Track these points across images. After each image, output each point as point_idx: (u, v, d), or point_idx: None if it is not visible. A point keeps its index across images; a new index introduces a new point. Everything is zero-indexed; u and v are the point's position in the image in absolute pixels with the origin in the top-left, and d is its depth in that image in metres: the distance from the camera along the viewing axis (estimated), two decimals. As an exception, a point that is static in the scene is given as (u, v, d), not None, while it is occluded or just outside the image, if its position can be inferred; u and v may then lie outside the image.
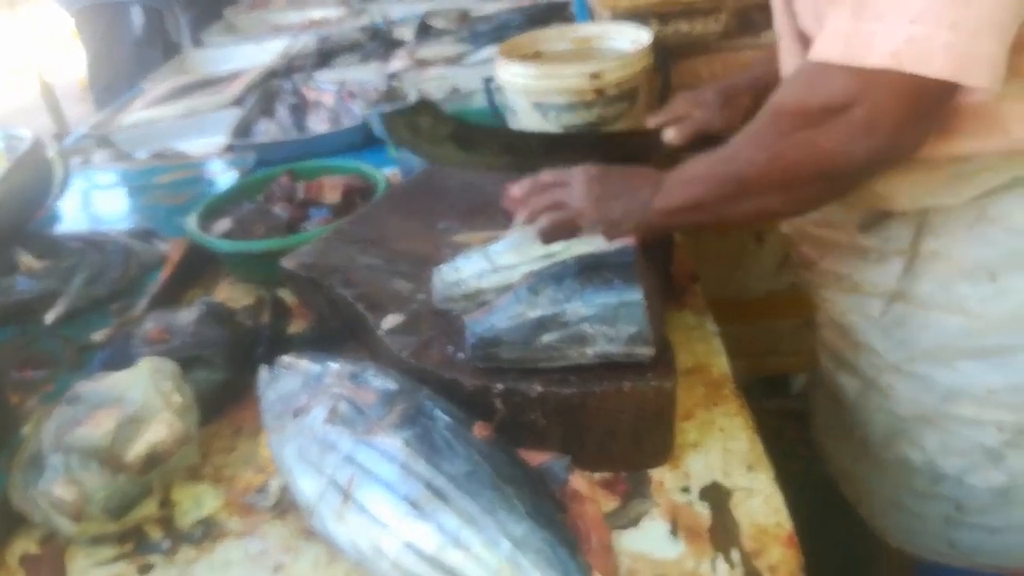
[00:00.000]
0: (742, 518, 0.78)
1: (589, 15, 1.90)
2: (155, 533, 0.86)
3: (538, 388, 0.82)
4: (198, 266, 1.34)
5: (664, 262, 1.07)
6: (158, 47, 2.86)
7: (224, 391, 1.00)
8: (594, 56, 1.47)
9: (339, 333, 1.06)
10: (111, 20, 2.84)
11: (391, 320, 0.96)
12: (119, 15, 2.83)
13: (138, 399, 0.87)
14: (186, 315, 1.04)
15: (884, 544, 1.16)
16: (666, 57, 1.56)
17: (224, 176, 1.62)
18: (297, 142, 1.76)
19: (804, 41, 0.93)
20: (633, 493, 0.82)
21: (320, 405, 0.82)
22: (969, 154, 0.89)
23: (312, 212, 1.35)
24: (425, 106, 1.19)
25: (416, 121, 1.16)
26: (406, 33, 2.41)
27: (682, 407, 0.89)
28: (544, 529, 0.69)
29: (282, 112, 1.93)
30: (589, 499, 0.75)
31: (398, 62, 2.19)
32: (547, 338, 0.82)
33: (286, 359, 0.91)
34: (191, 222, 1.30)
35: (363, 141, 1.71)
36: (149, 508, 0.86)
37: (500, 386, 0.83)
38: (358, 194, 1.36)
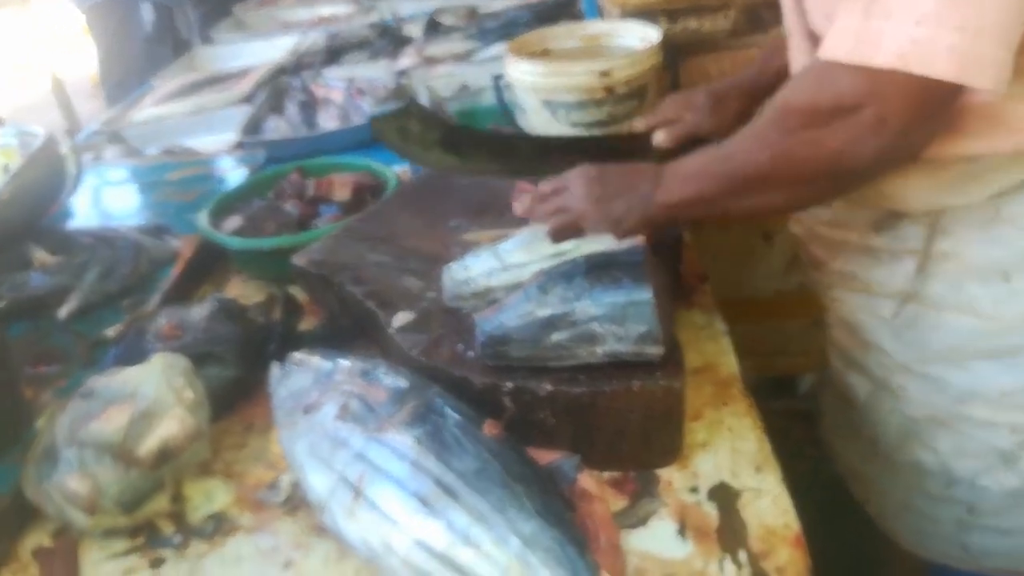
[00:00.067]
0: (750, 519, 0.78)
1: (598, 12, 1.90)
2: (167, 527, 0.87)
3: (547, 387, 0.82)
4: (209, 263, 1.35)
5: (673, 261, 1.07)
6: (168, 44, 2.87)
7: (235, 387, 1.01)
8: (603, 54, 1.47)
9: (350, 330, 1.07)
10: (122, 17, 2.86)
11: (401, 318, 0.96)
12: (130, 12, 2.85)
13: (150, 394, 0.88)
14: (198, 311, 1.05)
15: (893, 545, 1.16)
16: (675, 55, 1.57)
17: (234, 173, 1.62)
18: (307, 139, 1.76)
19: (814, 39, 0.93)
20: (642, 492, 0.83)
21: (331, 402, 0.82)
22: (977, 155, 0.89)
23: (322, 209, 1.35)
24: (414, 109, 1.19)
25: (405, 125, 1.16)
26: (415, 30, 2.41)
27: (691, 407, 0.89)
28: (553, 527, 0.69)
29: (292, 109, 1.94)
30: (598, 498, 0.75)
31: (407, 59, 2.20)
32: (556, 337, 0.83)
33: (297, 356, 0.91)
34: (202, 219, 1.31)
35: (372, 138, 1.71)
36: (161, 503, 0.87)
37: (510, 384, 0.84)
38: (368, 191, 1.37)
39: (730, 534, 0.77)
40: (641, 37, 1.44)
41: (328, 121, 1.87)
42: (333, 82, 2.03)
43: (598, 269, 0.84)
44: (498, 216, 1.14)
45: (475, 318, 0.87)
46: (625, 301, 0.81)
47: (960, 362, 0.99)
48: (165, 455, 0.86)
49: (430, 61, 2.16)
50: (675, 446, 0.86)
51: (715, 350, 1.00)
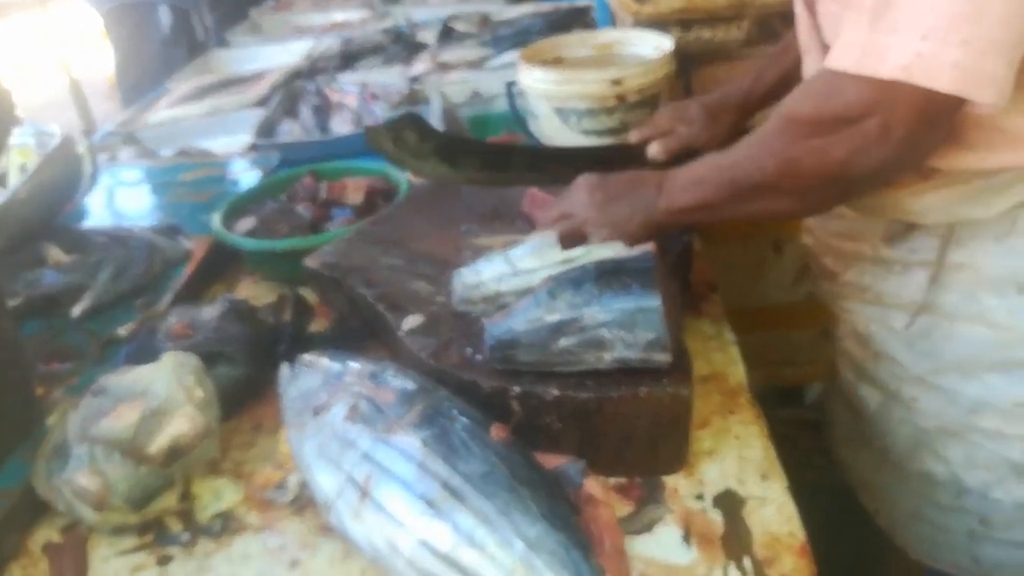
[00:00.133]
0: (755, 526, 0.78)
1: (611, 21, 1.91)
2: (175, 525, 0.88)
3: (555, 392, 0.83)
4: (221, 263, 1.36)
5: (683, 270, 1.07)
6: (184, 47, 2.88)
7: (245, 387, 1.02)
8: (616, 62, 1.48)
9: (359, 332, 1.07)
10: (139, 20, 2.88)
11: (411, 321, 0.97)
12: (147, 15, 2.87)
13: (161, 393, 0.88)
14: (209, 311, 1.06)
15: (900, 555, 1.16)
16: (688, 64, 1.57)
17: (248, 175, 1.63)
18: (320, 143, 1.77)
19: None
20: (647, 499, 0.83)
21: (340, 403, 0.83)
22: (1000, 168, 0.90)
23: (335, 212, 1.36)
24: (410, 120, 1.19)
25: (401, 135, 1.17)
26: (429, 36, 2.42)
27: (698, 415, 0.90)
28: (558, 531, 0.69)
29: (305, 113, 1.95)
30: (603, 503, 0.75)
31: (420, 65, 2.21)
32: (565, 342, 0.83)
33: (307, 357, 0.92)
34: (215, 220, 1.32)
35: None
36: (169, 500, 0.88)
37: (517, 389, 0.84)
38: (381, 195, 1.38)
39: (735, 541, 0.77)
40: (654, 46, 1.45)
41: (341, 125, 1.88)
42: (347, 87, 2.04)
43: (608, 275, 0.84)
44: (509, 222, 1.15)
45: (484, 322, 0.88)
46: (634, 308, 0.81)
47: (973, 373, 0.99)
48: (175, 453, 0.87)
49: (443, 67, 2.17)
50: (681, 453, 0.86)
51: (723, 359, 1.00)
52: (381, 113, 1.85)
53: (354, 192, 1.38)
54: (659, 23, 1.57)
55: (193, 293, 1.27)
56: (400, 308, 0.99)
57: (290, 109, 1.98)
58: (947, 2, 0.74)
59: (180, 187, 1.64)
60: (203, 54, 2.67)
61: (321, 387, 0.87)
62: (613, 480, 0.85)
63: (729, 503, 0.81)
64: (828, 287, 1.17)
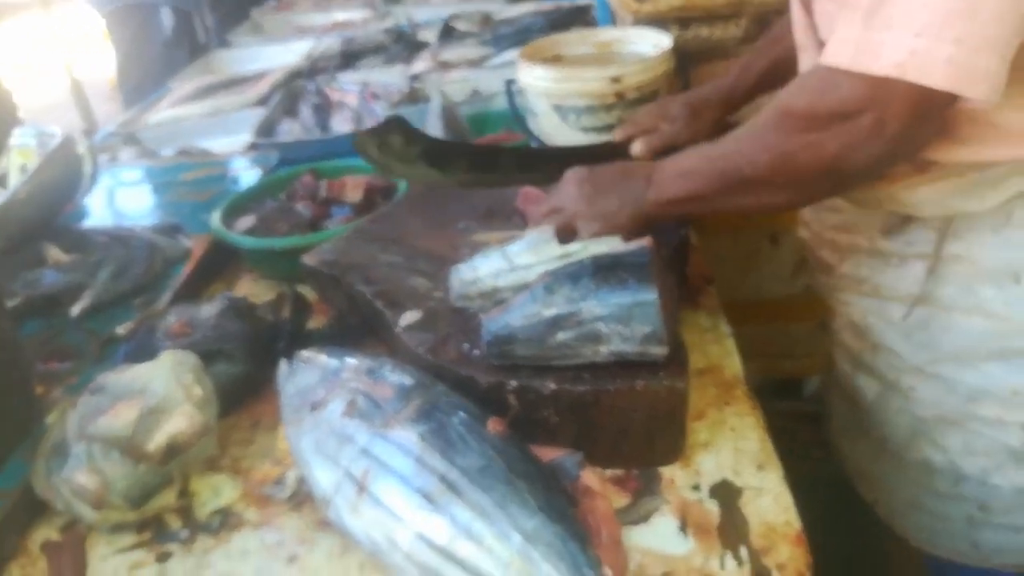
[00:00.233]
0: (751, 516, 0.79)
1: (611, 19, 1.91)
2: (174, 522, 0.88)
3: (552, 385, 0.83)
4: (221, 262, 1.36)
5: (679, 263, 1.07)
6: (186, 47, 2.89)
7: (244, 384, 1.02)
8: (615, 60, 1.48)
9: (358, 329, 1.08)
10: (141, 21, 2.88)
11: (409, 317, 0.97)
12: (149, 16, 2.87)
13: (160, 391, 0.89)
14: (208, 309, 1.06)
15: (898, 543, 1.17)
16: (686, 61, 1.57)
17: (247, 174, 1.64)
18: (320, 141, 1.78)
19: None
20: (644, 490, 0.83)
21: (338, 399, 0.83)
22: (994, 161, 0.91)
23: (334, 210, 1.37)
24: (396, 125, 1.19)
25: (387, 140, 1.17)
26: (430, 36, 2.43)
27: (694, 407, 0.90)
28: (555, 523, 0.70)
29: (305, 112, 1.95)
30: (600, 495, 0.75)
31: (421, 64, 2.21)
32: (562, 336, 0.83)
33: (305, 354, 0.92)
34: (215, 219, 1.32)
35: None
36: (168, 498, 0.88)
37: (514, 383, 0.84)
38: (379, 193, 1.38)
39: (731, 531, 0.77)
40: (653, 44, 1.45)
41: (342, 124, 1.88)
42: (347, 86, 2.04)
43: (604, 270, 0.84)
44: (506, 219, 1.15)
45: (481, 318, 0.88)
46: (630, 302, 0.82)
47: (971, 363, 1.00)
48: (173, 451, 0.87)
49: (444, 66, 2.17)
50: (678, 445, 0.86)
51: (719, 352, 1.00)
52: (382, 112, 1.85)
53: (353, 190, 1.38)
54: (658, 21, 1.58)
55: (192, 291, 1.28)
56: (398, 304, 1.00)
57: (290, 108, 1.98)
58: None
59: (180, 186, 1.65)
60: (205, 55, 2.68)
61: (319, 383, 0.87)
62: (610, 472, 0.85)
63: (725, 494, 0.81)
64: (825, 280, 1.17)
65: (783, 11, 1.10)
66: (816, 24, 0.96)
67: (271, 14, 2.99)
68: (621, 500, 0.82)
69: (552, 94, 1.37)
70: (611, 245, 0.92)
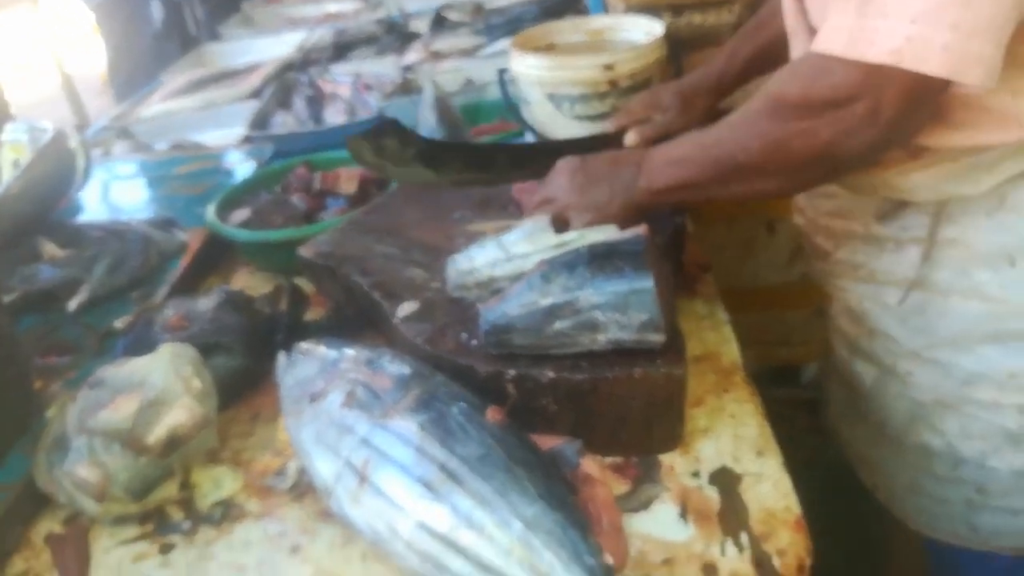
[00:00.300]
0: (751, 502, 0.79)
1: (603, 7, 1.91)
2: (176, 514, 0.88)
3: (550, 374, 0.83)
4: (216, 255, 1.36)
5: (676, 251, 1.08)
6: (176, 40, 2.88)
7: (242, 377, 1.02)
8: (607, 48, 1.48)
9: (355, 320, 1.08)
10: (130, 13, 2.87)
11: (406, 308, 0.97)
12: (139, 9, 2.86)
13: (159, 384, 0.89)
14: (205, 303, 1.06)
15: (897, 527, 1.17)
16: (679, 48, 1.57)
17: (242, 167, 1.64)
18: (314, 133, 1.78)
19: None
20: (644, 477, 0.84)
21: (337, 390, 0.83)
22: (987, 145, 0.91)
23: (329, 202, 1.36)
24: (390, 127, 1.19)
25: (381, 143, 1.17)
26: (421, 26, 2.42)
27: (692, 394, 0.90)
28: (555, 511, 0.70)
29: (299, 104, 1.95)
30: (600, 482, 0.76)
31: (413, 55, 2.21)
32: (559, 325, 0.83)
33: (303, 345, 0.92)
34: (210, 212, 1.32)
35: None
36: (170, 490, 0.88)
37: (513, 372, 0.85)
38: (374, 184, 1.38)
39: (731, 517, 0.78)
40: (646, 31, 1.45)
41: (335, 116, 1.88)
42: (340, 77, 2.04)
43: (600, 258, 0.85)
44: (501, 208, 1.15)
45: (479, 307, 0.88)
46: (627, 289, 0.82)
47: (967, 346, 1.00)
48: (173, 443, 0.87)
49: (436, 56, 2.17)
50: (676, 433, 0.86)
51: (717, 339, 1.01)
52: (375, 103, 1.85)
53: (348, 182, 1.38)
54: (651, 8, 1.57)
55: (189, 285, 1.27)
56: (395, 295, 1.00)
57: (283, 101, 1.98)
58: None
59: (174, 180, 1.65)
60: (195, 47, 2.67)
61: (318, 374, 0.88)
62: (609, 459, 0.86)
63: (725, 480, 0.82)
64: (820, 266, 1.18)
65: None
66: (807, 9, 0.96)
67: (261, 6, 2.98)
68: (621, 487, 0.82)
69: (545, 83, 1.37)
70: (607, 233, 0.92)
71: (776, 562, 0.73)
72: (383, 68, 2.13)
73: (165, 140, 1.92)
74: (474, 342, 0.89)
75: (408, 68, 2.10)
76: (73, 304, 1.21)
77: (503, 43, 2.08)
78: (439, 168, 1.18)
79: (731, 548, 0.75)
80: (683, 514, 0.79)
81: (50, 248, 1.33)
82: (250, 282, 1.29)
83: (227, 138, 1.85)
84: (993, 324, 0.97)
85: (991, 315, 0.97)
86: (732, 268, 1.85)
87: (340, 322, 1.09)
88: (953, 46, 0.74)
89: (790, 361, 1.99)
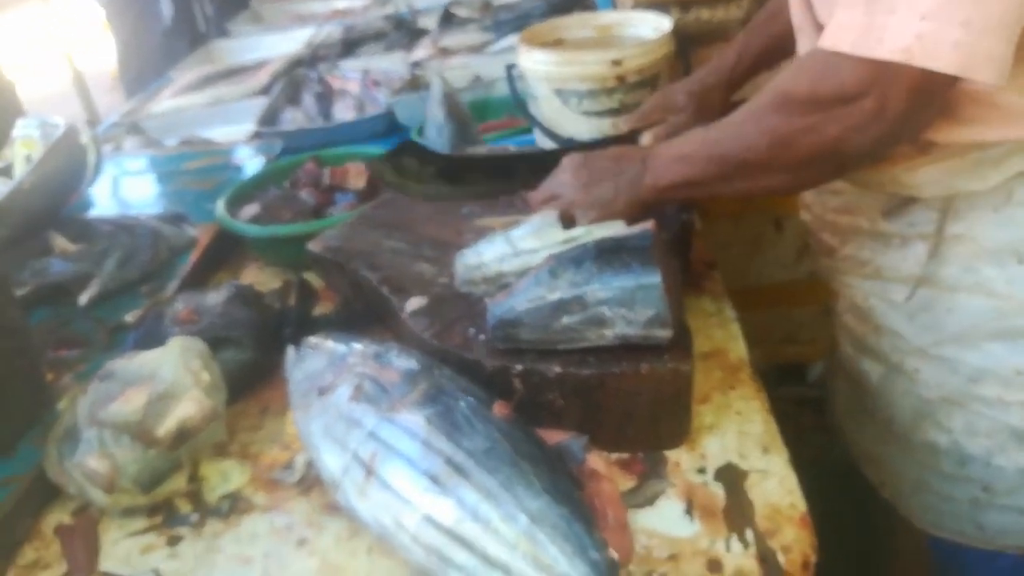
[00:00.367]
0: (756, 499, 0.79)
1: (611, 3, 1.91)
2: (184, 506, 0.89)
3: (557, 369, 0.84)
4: (226, 250, 1.37)
5: (683, 248, 1.08)
6: (185, 37, 2.89)
7: (251, 371, 1.03)
8: (615, 43, 1.48)
9: (364, 315, 1.08)
10: (140, 10, 2.88)
11: (414, 303, 0.98)
12: (148, 6, 2.87)
13: (168, 377, 0.90)
14: (215, 297, 1.07)
15: (904, 526, 1.17)
16: (687, 44, 1.57)
17: (251, 163, 1.64)
18: (323, 129, 1.78)
19: None
20: (649, 473, 0.84)
21: (345, 384, 0.84)
22: (995, 141, 0.91)
23: (338, 197, 1.37)
24: (409, 147, 1.20)
25: (401, 163, 1.18)
26: (430, 22, 2.43)
27: (699, 390, 0.90)
28: (561, 505, 0.70)
29: (308, 100, 1.96)
30: (606, 478, 0.76)
31: (422, 51, 2.21)
32: (566, 320, 0.84)
33: (312, 340, 0.93)
34: (219, 207, 1.33)
35: (387, 128, 1.73)
36: (178, 482, 0.89)
37: (519, 367, 0.85)
38: (382, 180, 1.38)
39: (737, 514, 0.78)
40: (654, 27, 1.44)
41: (344, 112, 1.88)
42: (349, 73, 2.05)
43: (607, 254, 0.85)
44: (509, 203, 1.16)
45: (486, 302, 0.89)
46: (634, 285, 0.82)
47: (973, 343, 1.00)
48: (182, 436, 0.88)
49: (444, 53, 2.17)
50: (683, 429, 0.87)
51: (724, 336, 1.01)
52: (383, 99, 1.85)
53: (356, 177, 1.38)
54: (659, 4, 1.57)
55: (199, 280, 1.28)
56: (403, 290, 1.00)
57: (292, 97, 1.99)
58: None
59: (184, 175, 1.66)
60: (204, 44, 2.68)
61: (326, 368, 0.88)
62: (615, 455, 0.86)
63: (731, 476, 0.82)
64: (827, 262, 1.18)
65: None
66: (814, 5, 0.96)
67: (270, 3, 2.99)
68: (627, 483, 0.83)
69: (553, 78, 1.37)
70: (614, 229, 0.92)
71: (781, 558, 0.73)
72: (392, 64, 2.13)
73: (175, 136, 1.93)
74: (482, 337, 0.90)
75: (416, 64, 2.10)
76: (84, 298, 1.22)
77: (511, 39, 2.08)
78: (460, 182, 1.19)
79: (736, 544, 0.75)
80: (688, 510, 0.79)
81: (61, 242, 1.34)
82: (259, 277, 1.30)
83: (236, 134, 1.86)
84: (1000, 320, 0.97)
85: (998, 311, 0.97)
86: (739, 265, 1.84)
87: (349, 317, 1.10)
88: (964, 43, 0.74)
89: (796, 359, 1.99)
